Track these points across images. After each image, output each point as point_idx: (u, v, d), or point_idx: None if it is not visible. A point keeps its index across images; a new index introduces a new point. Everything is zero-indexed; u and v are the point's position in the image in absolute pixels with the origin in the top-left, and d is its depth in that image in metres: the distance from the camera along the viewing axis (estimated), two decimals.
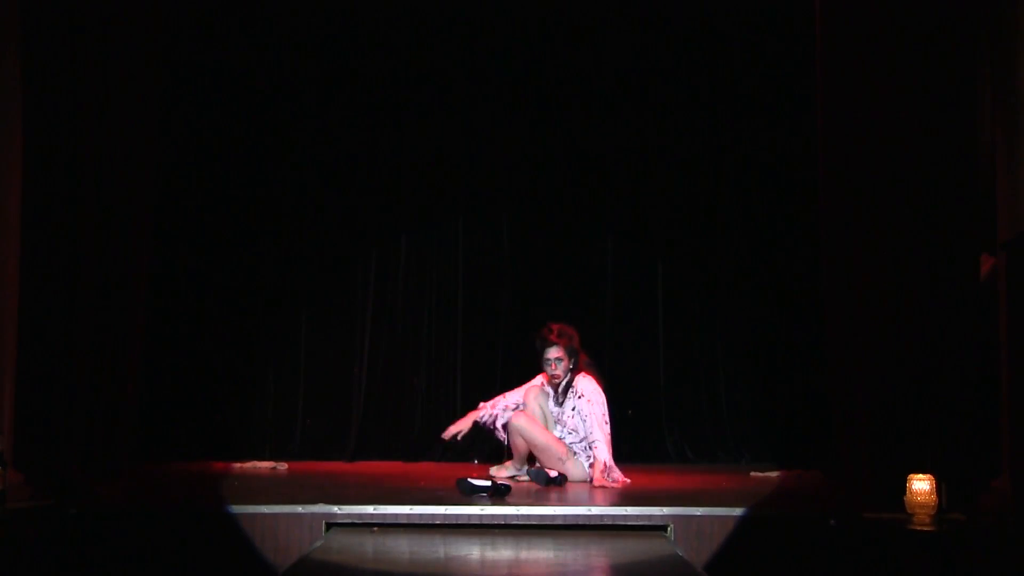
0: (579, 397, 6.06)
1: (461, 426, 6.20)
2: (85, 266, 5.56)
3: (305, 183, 7.74)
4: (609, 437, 6.00)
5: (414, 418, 7.73)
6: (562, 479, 5.99)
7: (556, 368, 6.12)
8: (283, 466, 7.00)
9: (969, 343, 5.47)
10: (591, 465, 5.96)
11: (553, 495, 5.57)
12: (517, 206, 7.84)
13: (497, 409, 6.23)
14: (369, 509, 4.95)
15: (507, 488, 5.41)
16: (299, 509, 4.88)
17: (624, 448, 7.57)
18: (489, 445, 7.53)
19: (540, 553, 4.59)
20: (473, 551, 4.56)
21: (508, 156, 7.76)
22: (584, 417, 6.02)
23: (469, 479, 5.46)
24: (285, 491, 5.77)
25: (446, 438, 6.24)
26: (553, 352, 6.13)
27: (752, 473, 6.71)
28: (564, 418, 6.13)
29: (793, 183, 7.29)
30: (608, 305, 7.84)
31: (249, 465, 6.93)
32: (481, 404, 6.34)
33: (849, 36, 5.67)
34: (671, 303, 7.83)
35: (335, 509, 4.90)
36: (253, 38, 7.56)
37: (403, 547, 4.64)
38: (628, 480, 5.89)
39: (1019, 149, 5.31)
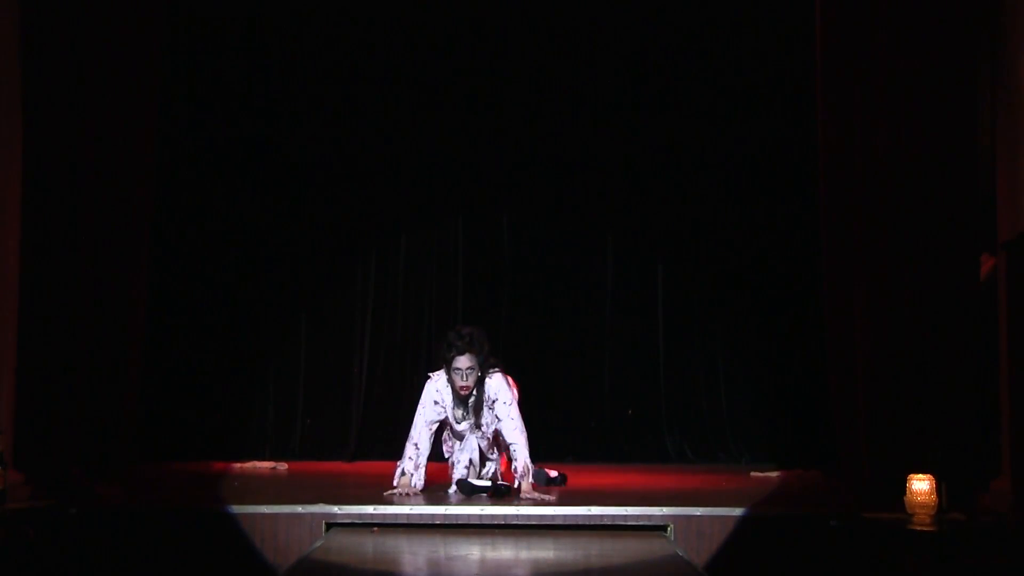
0: (494, 403, 5.48)
1: (406, 488, 5.30)
2: (85, 266, 5.57)
3: (305, 183, 7.73)
4: (526, 439, 5.46)
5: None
6: (562, 479, 5.99)
7: (467, 379, 5.40)
8: (283, 466, 7.00)
9: (969, 343, 5.48)
10: (513, 470, 5.42)
11: (553, 495, 5.57)
12: (517, 206, 7.84)
13: (414, 461, 5.42)
14: (369, 509, 4.96)
15: (507, 488, 5.41)
16: (299, 509, 4.88)
17: (624, 448, 7.61)
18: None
19: (540, 553, 4.59)
20: (473, 551, 4.56)
21: (508, 156, 7.75)
22: (500, 418, 5.48)
23: (469, 479, 5.46)
24: (285, 491, 5.77)
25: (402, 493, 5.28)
26: (464, 361, 5.39)
27: (752, 473, 6.70)
28: (483, 428, 5.55)
29: (793, 183, 7.28)
30: (608, 305, 7.84)
31: (249, 465, 6.92)
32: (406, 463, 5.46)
33: (849, 37, 5.67)
34: (671, 303, 7.83)
35: (335, 509, 4.90)
36: (252, 39, 7.55)
37: (403, 547, 4.65)
38: (553, 498, 5.27)
39: (1019, 149, 5.31)
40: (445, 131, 7.74)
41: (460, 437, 5.63)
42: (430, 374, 5.60)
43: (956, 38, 5.56)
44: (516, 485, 5.40)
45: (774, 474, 6.61)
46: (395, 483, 5.35)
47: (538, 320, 7.78)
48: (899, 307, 5.54)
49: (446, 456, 5.72)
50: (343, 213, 7.76)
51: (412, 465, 5.40)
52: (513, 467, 5.44)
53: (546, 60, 7.70)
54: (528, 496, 5.22)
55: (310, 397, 7.73)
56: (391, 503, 5.06)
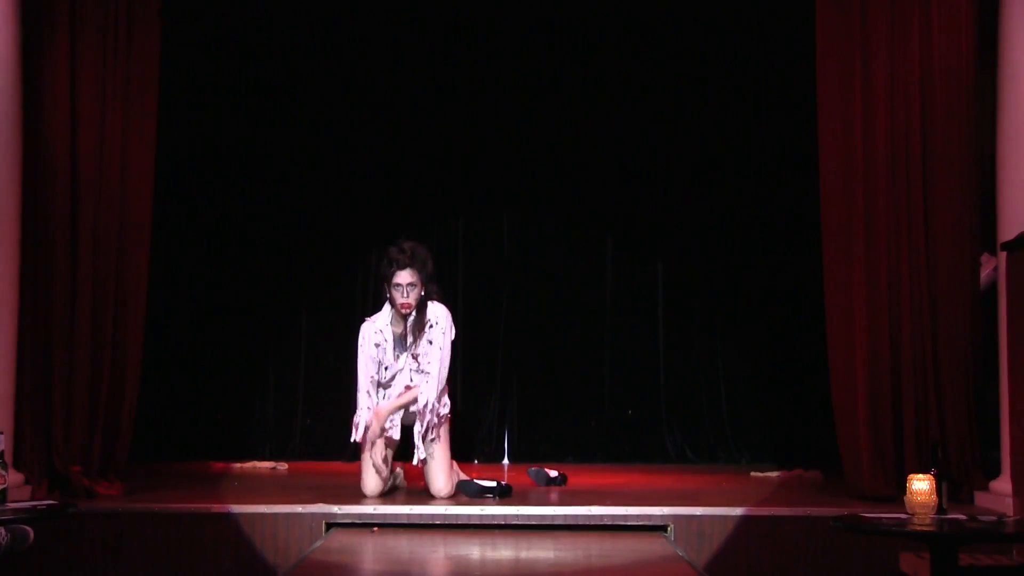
0: (432, 326, 5.27)
1: (378, 452, 5.21)
2: (84, 265, 5.57)
3: (305, 183, 7.72)
4: (445, 377, 5.29)
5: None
6: (562, 479, 5.99)
7: (408, 296, 5.21)
8: (283, 466, 7.00)
9: (969, 343, 5.48)
10: (420, 408, 5.23)
11: (553, 495, 5.57)
12: (517, 206, 7.84)
13: (366, 417, 5.29)
14: (369, 509, 4.97)
15: (509, 489, 5.40)
16: (299, 509, 4.89)
17: (624, 448, 7.61)
18: (489, 445, 7.54)
19: (540, 553, 4.59)
20: (473, 551, 4.56)
21: (508, 156, 7.75)
22: (432, 341, 5.26)
23: (473, 480, 5.45)
24: (285, 491, 5.77)
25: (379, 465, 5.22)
26: (405, 276, 5.21)
27: (752, 473, 6.71)
28: (419, 354, 5.30)
29: (793, 182, 7.27)
30: (608, 305, 7.84)
31: (249, 465, 6.92)
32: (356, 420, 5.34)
33: (849, 34, 5.67)
34: (671, 303, 7.82)
35: (335, 509, 4.90)
36: (253, 37, 7.54)
37: (403, 547, 4.65)
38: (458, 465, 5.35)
39: (1019, 149, 5.31)
40: (445, 131, 7.73)
41: (387, 386, 5.37)
42: (366, 319, 5.38)
43: (957, 38, 5.56)
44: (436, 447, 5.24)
45: (774, 474, 6.61)
46: (359, 437, 5.18)
47: (538, 320, 7.77)
48: (899, 306, 5.54)
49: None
50: (343, 212, 7.75)
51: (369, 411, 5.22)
52: (416, 405, 5.22)
53: (546, 60, 7.69)
54: (420, 446, 5.16)
55: (310, 397, 7.72)
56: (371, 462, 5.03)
